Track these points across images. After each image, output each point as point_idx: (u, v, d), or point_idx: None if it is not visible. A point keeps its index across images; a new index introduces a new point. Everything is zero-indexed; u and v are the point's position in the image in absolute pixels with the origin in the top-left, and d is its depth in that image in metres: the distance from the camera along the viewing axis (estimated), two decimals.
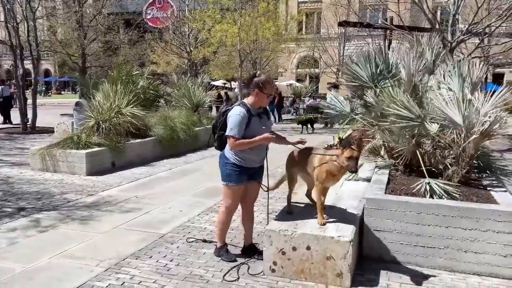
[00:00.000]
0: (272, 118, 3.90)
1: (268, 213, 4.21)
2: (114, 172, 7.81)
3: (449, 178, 4.38)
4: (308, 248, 3.47)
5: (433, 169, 4.75)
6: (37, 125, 14.79)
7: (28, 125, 14.21)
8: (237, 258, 3.91)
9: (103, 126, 8.43)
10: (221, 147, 3.80)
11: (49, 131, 13.76)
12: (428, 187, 4.04)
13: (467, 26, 10.79)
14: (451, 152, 4.59)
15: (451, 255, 3.75)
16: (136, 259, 3.96)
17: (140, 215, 5.28)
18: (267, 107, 3.88)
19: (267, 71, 28.59)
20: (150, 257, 4.00)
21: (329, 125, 16.89)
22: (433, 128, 4.40)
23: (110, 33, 21.92)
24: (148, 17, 40.56)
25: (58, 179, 7.20)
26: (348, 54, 23.32)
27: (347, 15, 27.89)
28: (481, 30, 11.00)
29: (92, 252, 4.09)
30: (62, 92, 55.34)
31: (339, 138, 9.44)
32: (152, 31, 27.27)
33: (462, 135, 4.29)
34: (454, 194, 3.98)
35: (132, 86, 11.07)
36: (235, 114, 3.56)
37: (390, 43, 15.27)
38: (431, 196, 4.00)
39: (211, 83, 27.17)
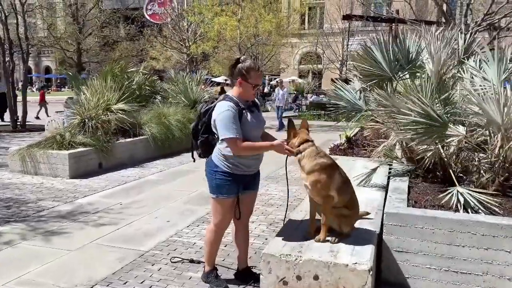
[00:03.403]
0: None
1: (284, 218, 3.48)
2: (101, 175, 7.15)
3: (482, 186, 3.67)
4: (316, 277, 2.78)
5: (461, 175, 4.06)
6: (30, 122, 14.16)
7: (18, 123, 13.55)
8: (228, 285, 3.23)
9: (90, 124, 7.76)
10: (206, 153, 3.11)
11: (41, 129, 13.12)
12: (461, 198, 3.34)
13: (482, 17, 10.11)
14: (484, 155, 3.89)
15: (491, 283, 3.06)
16: (108, 286, 3.28)
17: (121, 227, 4.60)
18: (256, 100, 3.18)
19: (269, 67, 27.93)
20: (125, 283, 3.32)
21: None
22: (460, 130, 3.69)
23: (107, 27, 21.26)
24: (149, 13, 39.90)
25: (37, 183, 6.53)
26: (352, 49, 22.60)
27: (351, 9, 27.16)
28: (497, 20, 10.31)
29: (55, 276, 3.41)
30: (62, 89, 54.76)
31: (346, 136, 8.68)
32: (151, 26, 26.60)
33: (499, 136, 3.57)
34: (492, 207, 3.28)
35: (127, 82, 10.46)
36: (224, 110, 2.87)
37: (396, 37, 14.55)
38: (465, 209, 3.30)
39: (211, 79, 26.52)
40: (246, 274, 3.34)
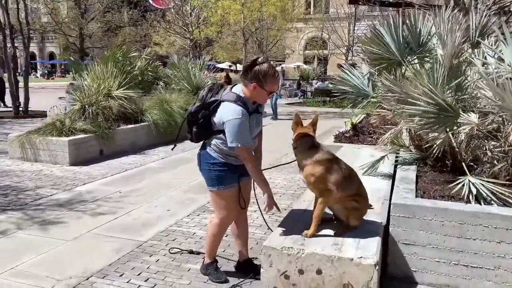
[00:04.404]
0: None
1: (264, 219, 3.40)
2: (101, 162, 7.04)
3: (495, 176, 3.50)
4: (319, 272, 2.65)
5: (471, 164, 3.89)
6: (34, 108, 14.03)
7: (20, 109, 13.45)
8: (228, 278, 3.11)
9: (90, 110, 7.62)
10: (198, 141, 2.97)
11: (43, 115, 13.02)
12: (473, 188, 3.17)
13: (493, 0, 9.79)
14: (496, 143, 3.70)
15: (503, 278, 2.92)
16: (103, 277, 3.17)
17: (120, 216, 4.49)
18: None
19: (274, 52, 27.56)
20: (121, 275, 3.20)
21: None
22: (472, 119, 3.48)
23: (110, 12, 20.98)
24: None
25: (37, 170, 6.43)
26: (358, 34, 22.21)
27: None
28: (508, 4, 9.99)
29: (50, 267, 3.30)
30: (67, 75, 54.59)
31: (352, 123, 8.49)
32: (154, 11, 26.25)
33: None
34: (506, 198, 3.12)
35: (129, 67, 10.29)
36: (237, 117, 2.68)
37: (403, 22, 14.19)
38: (477, 200, 3.14)
39: (215, 65, 26.22)
40: (247, 266, 3.22)
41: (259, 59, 2.82)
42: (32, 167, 6.62)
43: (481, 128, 3.70)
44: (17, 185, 5.63)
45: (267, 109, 14.22)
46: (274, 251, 2.73)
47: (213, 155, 2.87)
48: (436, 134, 3.79)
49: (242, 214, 3.14)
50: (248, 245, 3.30)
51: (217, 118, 2.78)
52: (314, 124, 2.87)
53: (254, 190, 3.14)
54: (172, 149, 3.24)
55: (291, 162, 3.18)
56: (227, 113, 2.71)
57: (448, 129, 3.59)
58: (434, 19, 4.04)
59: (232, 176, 2.93)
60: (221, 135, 2.79)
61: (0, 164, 6.81)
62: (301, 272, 2.69)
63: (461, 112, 3.43)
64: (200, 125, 2.86)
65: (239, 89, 2.82)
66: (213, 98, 2.83)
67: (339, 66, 16.10)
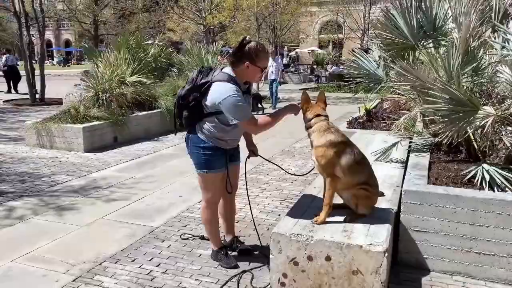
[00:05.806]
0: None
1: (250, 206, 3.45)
2: (115, 149, 7.12)
3: (510, 162, 3.43)
4: (328, 258, 2.65)
5: (485, 149, 3.81)
6: (49, 96, 14.22)
7: (37, 96, 13.64)
8: (238, 264, 3.14)
9: (104, 97, 7.68)
10: (187, 126, 2.95)
11: (59, 102, 13.19)
12: (486, 175, 3.11)
13: None
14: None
15: None
16: (116, 262, 3.22)
17: (133, 202, 4.55)
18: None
19: (288, 37, 27.25)
20: (133, 261, 3.26)
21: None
22: (491, 111, 3.34)
23: None
24: None
25: (52, 157, 6.53)
26: (372, 18, 21.79)
27: None
28: None
29: (64, 252, 3.37)
30: (82, 62, 55.09)
31: (366, 109, 8.37)
32: None
33: None
34: None
35: (143, 54, 10.31)
36: (231, 94, 2.68)
37: (419, 4, 13.84)
38: (490, 187, 3.08)
39: (229, 50, 26.05)
40: (234, 244, 3.36)
41: (246, 39, 2.81)
42: (48, 154, 6.74)
43: (498, 114, 3.60)
44: (34, 171, 5.74)
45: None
46: (283, 238, 2.73)
47: (203, 139, 2.89)
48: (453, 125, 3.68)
49: (231, 198, 3.26)
50: (259, 231, 3.34)
51: (209, 100, 2.77)
52: (324, 101, 2.84)
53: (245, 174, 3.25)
54: (175, 134, 3.30)
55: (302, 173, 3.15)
56: (221, 93, 2.71)
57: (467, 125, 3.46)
58: (450, 0, 3.93)
59: (221, 160, 2.96)
60: (214, 118, 2.80)
61: (17, 151, 6.95)
62: (310, 258, 2.69)
63: (480, 107, 3.27)
64: (191, 108, 2.84)
65: (229, 70, 2.82)
66: (203, 80, 2.83)
67: (352, 50, 15.86)
